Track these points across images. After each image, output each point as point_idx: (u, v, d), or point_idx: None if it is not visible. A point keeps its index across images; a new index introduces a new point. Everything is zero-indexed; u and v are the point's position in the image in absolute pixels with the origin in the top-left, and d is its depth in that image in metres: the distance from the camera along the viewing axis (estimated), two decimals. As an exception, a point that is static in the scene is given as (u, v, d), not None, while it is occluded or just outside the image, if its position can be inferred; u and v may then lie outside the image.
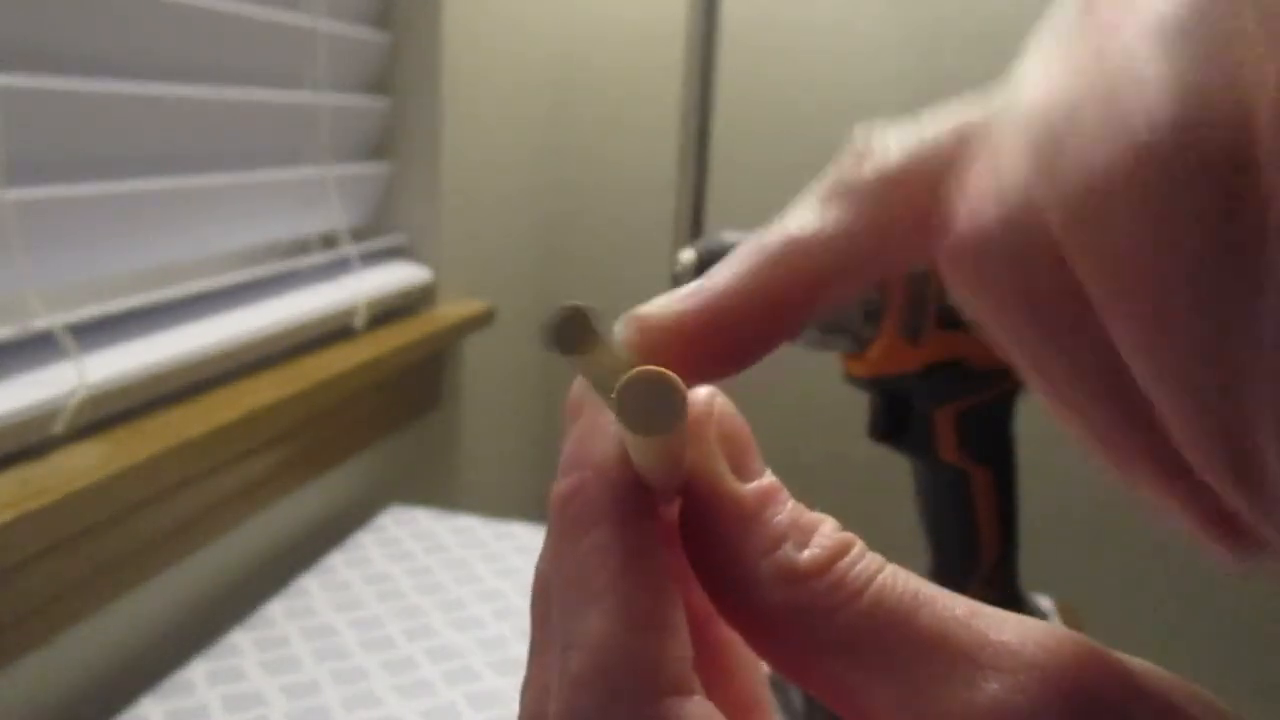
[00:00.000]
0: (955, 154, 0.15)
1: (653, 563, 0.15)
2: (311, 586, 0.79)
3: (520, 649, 0.72)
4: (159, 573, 0.73)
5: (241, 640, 0.71)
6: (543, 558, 0.17)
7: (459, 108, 1.08)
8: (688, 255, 0.52)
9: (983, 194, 0.14)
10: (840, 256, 0.16)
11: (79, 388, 0.64)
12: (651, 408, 0.13)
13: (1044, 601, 0.80)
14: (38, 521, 0.57)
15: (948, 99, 0.17)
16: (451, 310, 1.10)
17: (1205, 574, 1.36)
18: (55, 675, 0.66)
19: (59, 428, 0.64)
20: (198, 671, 0.67)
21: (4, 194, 0.61)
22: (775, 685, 0.61)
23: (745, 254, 0.16)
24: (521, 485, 1.41)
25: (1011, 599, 0.58)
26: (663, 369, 0.13)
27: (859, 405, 0.58)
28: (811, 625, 0.15)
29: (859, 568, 0.15)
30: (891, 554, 0.16)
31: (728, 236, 0.53)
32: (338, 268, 0.97)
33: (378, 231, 1.08)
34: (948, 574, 0.58)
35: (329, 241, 1.00)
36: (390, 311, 1.04)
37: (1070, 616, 0.82)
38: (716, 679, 0.18)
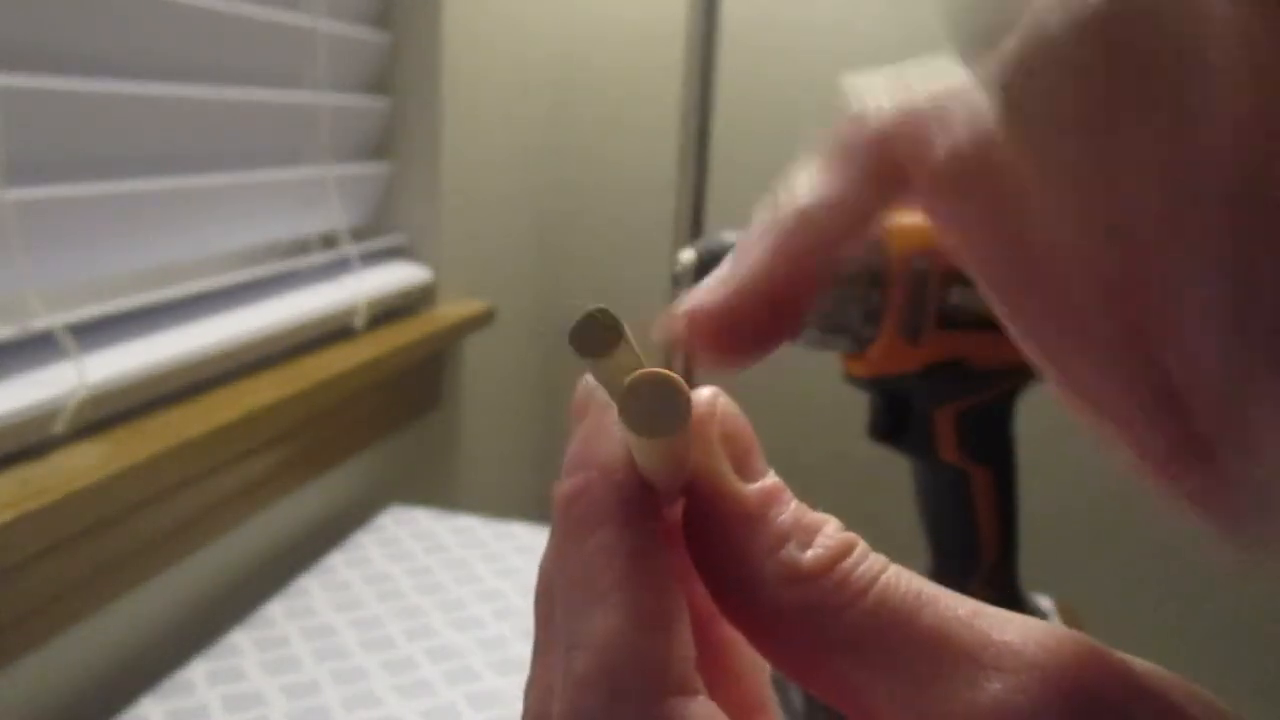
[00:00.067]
0: (941, 103, 0.16)
1: (657, 563, 0.15)
2: (311, 586, 0.79)
3: (521, 649, 0.72)
4: (159, 573, 0.73)
5: (241, 640, 0.71)
6: (547, 557, 0.17)
7: (459, 108, 1.08)
8: (688, 255, 0.52)
9: (958, 121, 0.15)
10: (850, 217, 0.17)
11: (79, 388, 0.64)
12: (657, 410, 0.13)
13: (1044, 601, 0.80)
14: (38, 521, 0.57)
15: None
16: (451, 310, 1.10)
17: (1205, 574, 1.36)
18: (55, 675, 0.66)
19: (59, 428, 0.64)
20: (198, 671, 0.67)
21: (4, 194, 0.61)
22: (776, 684, 0.61)
23: (765, 233, 0.17)
24: (521, 485, 1.41)
25: (1011, 599, 0.58)
26: (668, 371, 0.13)
27: (859, 405, 0.58)
28: (815, 625, 0.15)
29: (862, 568, 0.15)
30: (891, 554, 0.16)
31: (728, 236, 0.53)
32: (338, 268, 0.97)
33: (378, 231, 1.08)
34: (948, 574, 0.58)
35: (329, 241, 1.00)
36: (390, 311, 1.04)
37: (1070, 616, 0.82)
38: (720, 679, 0.18)
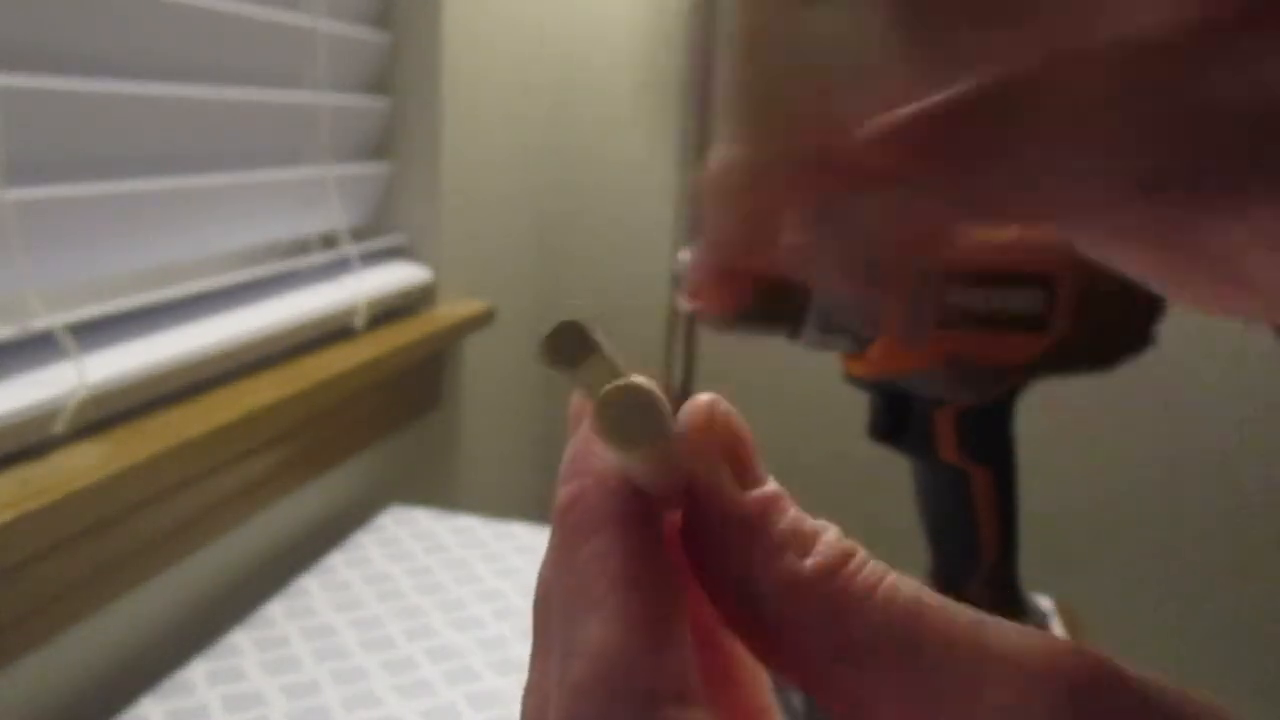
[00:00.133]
0: None
1: (653, 570, 0.15)
2: (311, 586, 0.79)
3: (520, 649, 0.72)
4: (159, 573, 0.73)
5: (241, 640, 0.71)
6: (544, 564, 0.17)
7: (459, 108, 1.08)
8: (688, 255, 0.52)
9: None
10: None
11: (79, 388, 0.64)
12: (630, 421, 0.13)
13: (1044, 601, 0.80)
14: (38, 521, 0.57)
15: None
16: (451, 310, 1.10)
17: (1205, 574, 1.36)
18: (55, 675, 0.66)
19: (59, 428, 0.64)
20: (198, 671, 0.67)
21: (4, 194, 0.61)
22: (775, 687, 0.61)
23: (727, 193, 0.17)
24: (521, 485, 1.41)
25: (1011, 599, 0.58)
26: (644, 383, 0.13)
27: (859, 405, 0.58)
28: (815, 633, 0.15)
29: (862, 576, 0.15)
30: (891, 554, 0.16)
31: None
32: (338, 268, 0.97)
33: (378, 231, 1.08)
34: (948, 574, 0.58)
35: (329, 241, 1.00)
36: (390, 311, 1.04)
37: (1070, 616, 0.82)
38: (721, 688, 0.18)
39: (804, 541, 0.15)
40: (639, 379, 0.13)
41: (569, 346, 0.14)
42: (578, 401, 0.17)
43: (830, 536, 0.16)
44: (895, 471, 0.65)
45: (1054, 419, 1.32)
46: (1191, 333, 1.21)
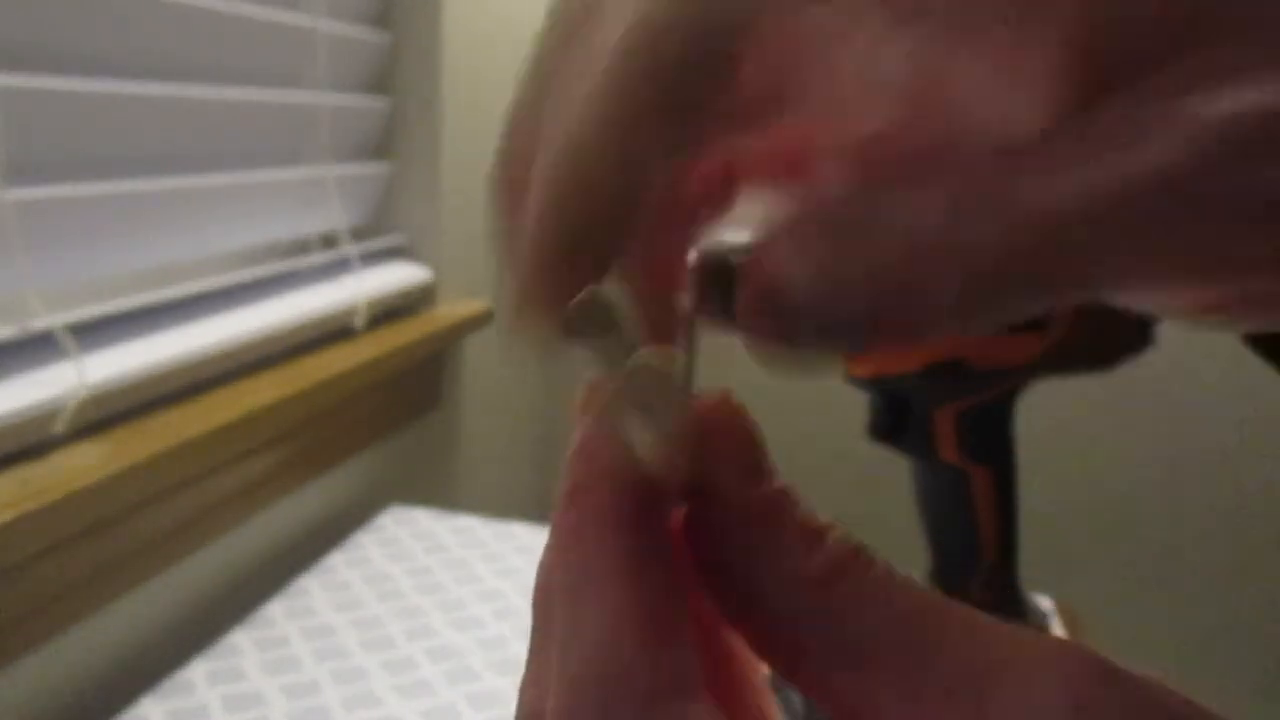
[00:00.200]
0: None
1: (657, 565, 0.15)
2: (311, 586, 0.79)
3: (521, 649, 0.72)
4: (159, 573, 0.73)
5: (241, 640, 0.71)
6: (546, 555, 0.17)
7: (459, 108, 1.08)
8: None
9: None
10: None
11: (79, 388, 0.64)
12: (655, 394, 0.13)
13: (1044, 601, 0.80)
14: (38, 521, 0.57)
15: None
16: (451, 310, 1.10)
17: (1205, 574, 1.36)
18: (55, 675, 0.66)
19: (59, 428, 0.64)
20: (198, 671, 0.67)
21: (4, 194, 0.61)
22: (775, 687, 0.61)
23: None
24: (521, 485, 1.41)
25: (1011, 599, 0.58)
26: (671, 350, 0.13)
27: (859, 405, 0.58)
28: (820, 633, 0.14)
29: (868, 576, 0.15)
30: (891, 554, 0.16)
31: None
32: (338, 268, 0.97)
33: (378, 231, 1.08)
34: (948, 574, 0.58)
35: (329, 241, 1.00)
36: (390, 311, 1.04)
37: (1070, 616, 0.82)
38: (722, 687, 0.18)
39: (811, 539, 0.15)
40: (665, 352, 0.13)
41: (596, 318, 0.14)
42: (584, 392, 0.17)
43: (837, 535, 0.15)
44: (895, 471, 0.65)
45: (1054, 419, 1.32)
46: (1191, 333, 1.22)
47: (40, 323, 0.64)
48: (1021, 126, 0.15)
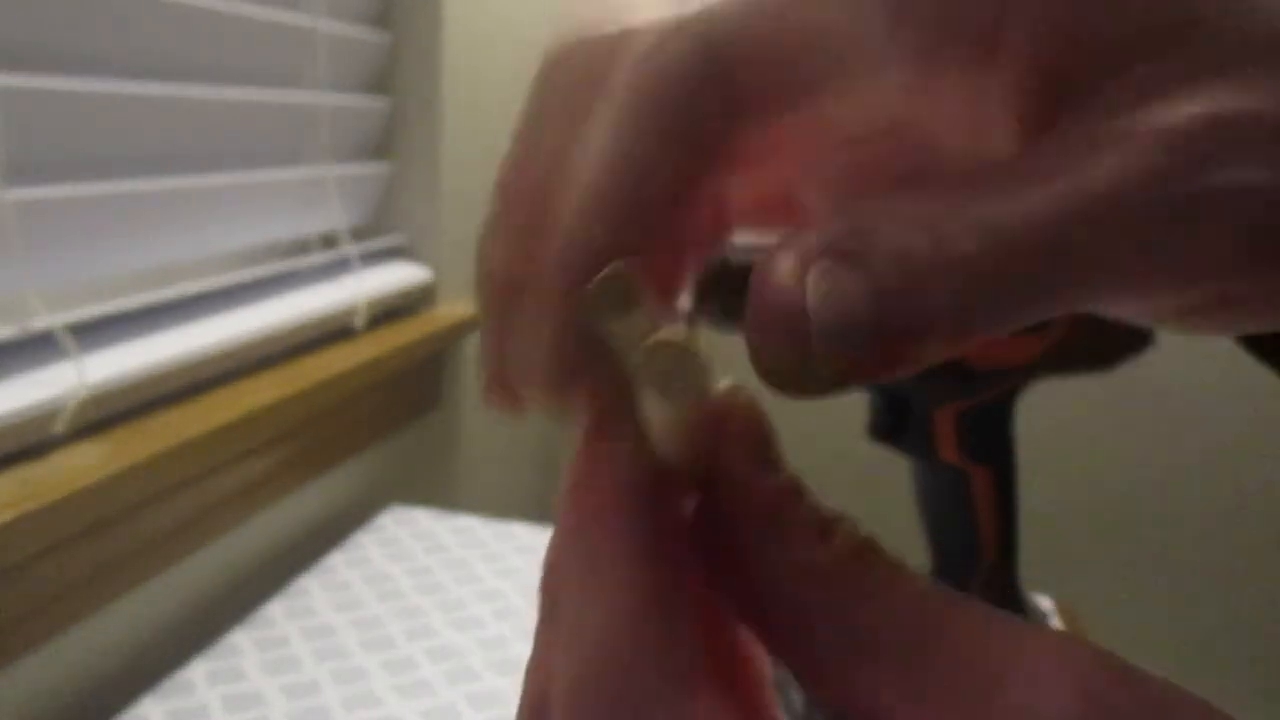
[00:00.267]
0: None
1: (667, 556, 0.15)
2: (311, 586, 0.79)
3: (521, 649, 0.72)
4: (159, 573, 0.73)
5: (241, 640, 0.71)
6: (554, 542, 0.17)
7: (459, 108, 1.08)
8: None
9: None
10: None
11: (79, 388, 0.64)
12: (677, 373, 0.13)
13: (1044, 601, 0.80)
14: (38, 521, 0.57)
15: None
16: (451, 310, 1.10)
17: (1205, 574, 1.36)
18: (55, 675, 0.66)
19: (59, 428, 0.64)
20: (198, 671, 0.67)
21: (4, 194, 0.61)
22: (775, 686, 0.61)
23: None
24: (521, 485, 1.41)
25: (1011, 599, 0.58)
26: (692, 330, 0.13)
27: (859, 405, 0.58)
28: (828, 625, 0.14)
29: (879, 569, 0.15)
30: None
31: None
32: (338, 268, 0.97)
33: (378, 231, 1.08)
34: (948, 574, 0.58)
35: (329, 241, 1.00)
36: (390, 311, 1.04)
37: (1070, 616, 0.82)
38: (727, 681, 0.18)
39: (821, 531, 0.15)
40: (686, 331, 0.13)
41: (618, 295, 0.14)
42: (593, 381, 0.17)
43: (848, 527, 0.15)
44: (895, 471, 0.65)
45: (1054, 419, 1.32)
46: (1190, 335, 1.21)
47: (40, 323, 0.64)
48: (991, 151, 0.16)
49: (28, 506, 0.56)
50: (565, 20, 0.18)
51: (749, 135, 0.16)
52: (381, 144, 1.07)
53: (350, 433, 0.95)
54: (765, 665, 0.18)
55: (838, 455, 1.35)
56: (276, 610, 0.75)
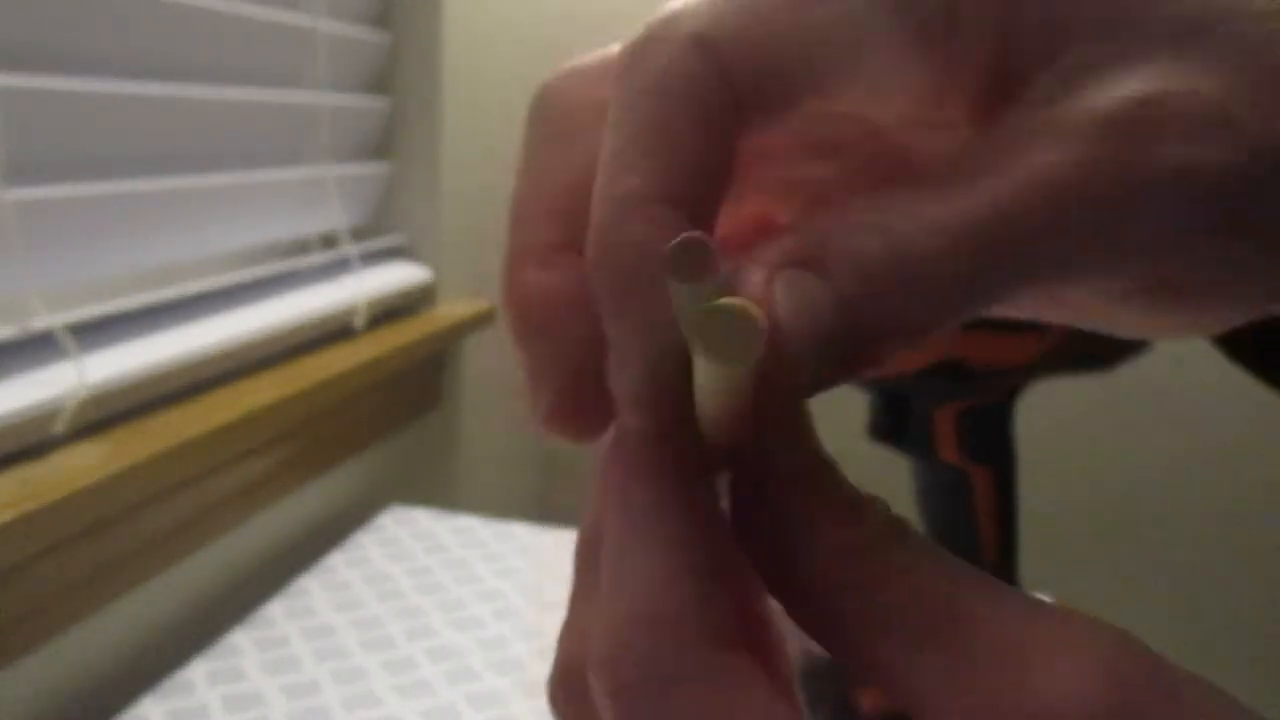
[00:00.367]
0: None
1: (705, 518, 0.16)
2: (311, 586, 0.79)
3: (521, 649, 0.72)
4: (159, 573, 0.73)
5: (241, 640, 0.71)
6: (595, 507, 0.17)
7: (459, 108, 1.08)
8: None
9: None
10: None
11: (79, 388, 0.64)
12: (733, 338, 0.13)
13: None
14: (38, 521, 0.57)
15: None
16: (451, 310, 1.10)
17: (1205, 574, 1.36)
18: (55, 675, 0.66)
19: (59, 428, 0.64)
20: (198, 671, 0.67)
21: (4, 194, 0.61)
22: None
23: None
24: (521, 485, 1.41)
25: (1011, 599, 0.58)
26: (752, 303, 0.14)
27: (859, 405, 0.58)
28: (858, 605, 0.15)
29: (908, 549, 0.15)
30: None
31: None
32: (338, 268, 0.97)
33: (378, 231, 1.08)
34: (948, 574, 0.58)
35: (329, 241, 1.00)
36: (390, 311, 1.04)
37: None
38: (753, 649, 0.18)
39: (854, 510, 0.15)
40: (747, 302, 0.14)
41: (691, 260, 0.14)
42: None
43: (881, 506, 0.16)
44: (895, 471, 0.65)
45: (1054, 419, 1.32)
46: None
47: (40, 323, 0.65)
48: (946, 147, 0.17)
49: (28, 506, 0.56)
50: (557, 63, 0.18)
51: (748, 137, 0.16)
52: (381, 144, 1.07)
53: (350, 433, 0.95)
54: (788, 642, 0.18)
55: (838, 455, 1.35)
56: (276, 610, 0.75)
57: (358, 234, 1.02)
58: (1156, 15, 0.15)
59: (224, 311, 0.82)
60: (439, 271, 1.09)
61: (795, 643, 0.18)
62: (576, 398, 0.17)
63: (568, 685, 0.17)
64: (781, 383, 0.15)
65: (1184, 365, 1.30)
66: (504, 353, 1.29)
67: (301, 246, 1.00)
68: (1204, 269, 0.16)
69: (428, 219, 1.08)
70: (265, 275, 0.89)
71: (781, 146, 0.20)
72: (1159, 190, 0.14)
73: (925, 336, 0.15)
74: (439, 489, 1.16)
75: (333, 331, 0.93)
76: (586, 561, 0.17)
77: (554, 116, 0.19)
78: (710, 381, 0.14)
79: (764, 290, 0.15)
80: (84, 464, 0.62)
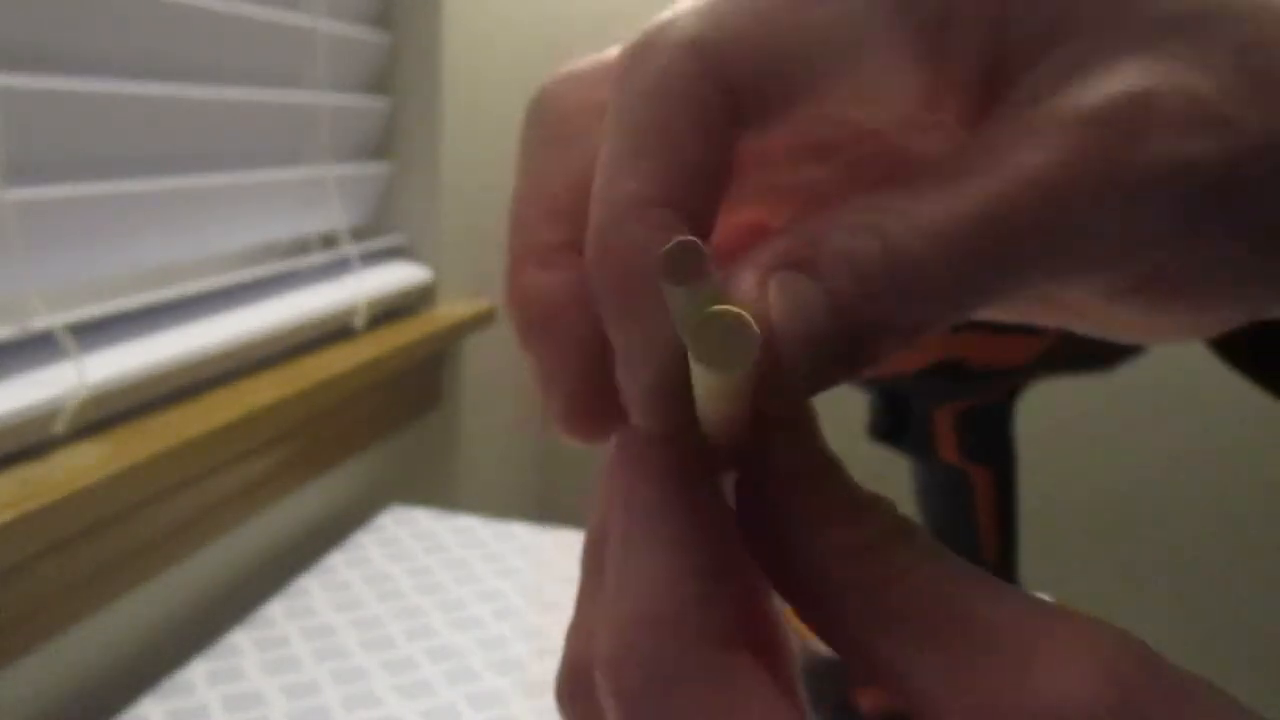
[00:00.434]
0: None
1: (711, 519, 0.16)
2: (311, 586, 0.79)
3: (520, 649, 0.72)
4: (159, 573, 0.73)
5: (241, 640, 0.71)
6: (602, 508, 0.17)
7: (459, 108, 1.08)
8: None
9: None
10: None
11: (79, 388, 0.64)
12: (728, 344, 0.13)
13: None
14: (38, 521, 0.57)
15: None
16: (451, 310, 1.10)
17: (1205, 574, 1.36)
18: (55, 675, 0.66)
19: (59, 428, 0.64)
20: (198, 671, 0.67)
21: (4, 194, 0.61)
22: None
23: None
24: (521, 485, 1.41)
25: (1011, 599, 0.58)
26: (747, 310, 0.14)
27: (859, 405, 0.58)
28: (861, 605, 0.15)
29: (917, 546, 0.15)
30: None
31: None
32: (338, 268, 0.97)
33: (378, 231, 1.08)
34: (948, 574, 0.58)
35: (329, 241, 1.00)
36: (390, 311, 1.04)
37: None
38: (757, 647, 0.18)
39: (857, 510, 0.15)
40: (742, 310, 0.14)
41: (685, 264, 0.14)
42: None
43: (885, 505, 0.16)
44: (895, 471, 0.65)
45: (1054, 419, 1.32)
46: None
47: (40, 323, 0.65)
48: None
49: (28, 506, 0.56)
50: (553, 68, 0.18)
51: (747, 139, 0.16)
52: (381, 144, 1.07)
53: (350, 433, 0.95)
54: (792, 641, 0.18)
55: (838, 455, 1.35)
56: (276, 610, 0.75)
57: (358, 234, 1.02)
58: (1149, 13, 0.15)
59: (224, 311, 0.82)
60: (439, 271, 1.09)
61: (797, 640, 0.18)
62: (587, 401, 0.17)
63: (575, 684, 0.17)
64: (778, 385, 0.15)
65: (1184, 365, 1.30)
66: (504, 353, 1.29)
67: (301, 246, 1.00)
68: (1200, 268, 0.15)
69: (428, 219, 1.08)
70: (265, 275, 0.89)
71: (777, 149, 0.20)
72: (1150, 188, 0.14)
73: (919, 337, 0.15)
74: (439, 489, 1.16)
75: (333, 331, 0.93)
76: (593, 561, 0.18)
77: (552, 120, 0.19)
78: (708, 386, 0.14)
79: (758, 292, 0.15)
80: (84, 464, 0.62)
